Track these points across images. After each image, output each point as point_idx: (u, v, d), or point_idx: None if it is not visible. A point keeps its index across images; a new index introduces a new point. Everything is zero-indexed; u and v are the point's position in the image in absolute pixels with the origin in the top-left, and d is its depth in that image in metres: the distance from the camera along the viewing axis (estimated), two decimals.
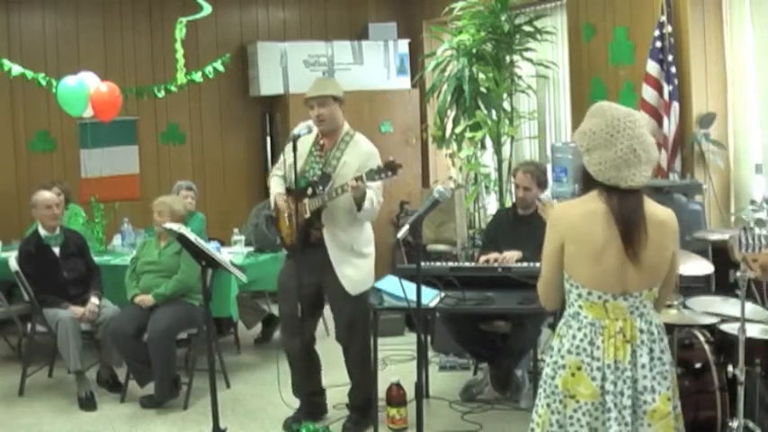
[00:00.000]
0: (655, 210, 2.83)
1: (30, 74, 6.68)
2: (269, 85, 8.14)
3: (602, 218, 2.77)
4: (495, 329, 5.05)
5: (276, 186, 4.83)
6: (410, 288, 3.83)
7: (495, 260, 4.89)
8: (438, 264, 5.05)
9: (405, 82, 8.49)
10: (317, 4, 8.80)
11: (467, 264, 5.50)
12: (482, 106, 6.72)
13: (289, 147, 4.50)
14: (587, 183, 2.84)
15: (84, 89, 6.50)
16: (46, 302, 5.55)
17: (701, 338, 4.19)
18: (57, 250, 5.72)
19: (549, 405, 2.86)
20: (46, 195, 5.81)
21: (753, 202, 5.18)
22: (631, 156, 2.75)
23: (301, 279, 4.48)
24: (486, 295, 4.52)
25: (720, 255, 4.48)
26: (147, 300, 5.45)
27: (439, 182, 7.27)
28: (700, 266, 4.37)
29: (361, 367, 4.78)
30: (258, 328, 6.69)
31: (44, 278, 5.61)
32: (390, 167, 4.29)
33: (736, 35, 5.58)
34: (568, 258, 2.82)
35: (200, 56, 7.74)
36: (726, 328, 4.02)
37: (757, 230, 3.50)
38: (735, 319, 3.85)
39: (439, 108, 6.93)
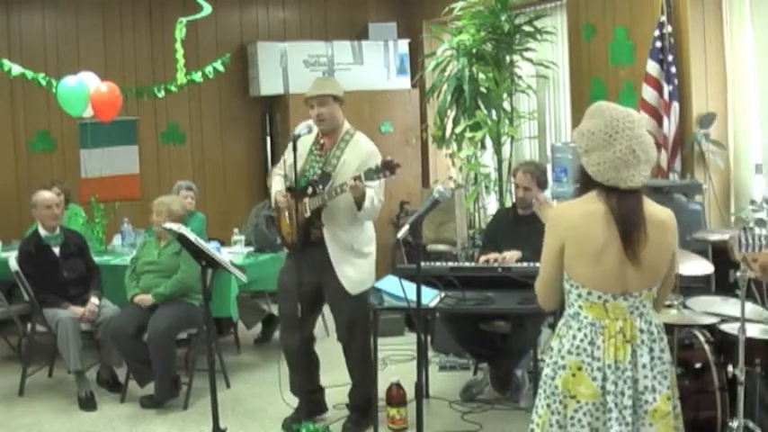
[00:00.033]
0: (654, 210, 2.83)
1: (30, 74, 6.68)
2: (269, 85, 8.14)
3: (601, 218, 2.77)
4: (495, 329, 5.06)
5: (276, 185, 4.84)
6: (410, 288, 3.83)
7: (495, 260, 4.89)
8: (438, 264, 5.05)
9: (405, 82, 8.49)
10: (316, 4, 8.80)
11: (467, 264, 5.50)
12: (482, 106, 6.72)
13: (289, 147, 4.50)
14: (586, 183, 2.84)
15: (84, 89, 6.51)
16: (46, 302, 5.55)
17: (701, 338, 4.19)
18: (57, 250, 5.72)
19: (548, 405, 2.86)
20: (46, 195, 5.81)
21: (753, 202, 5.18)
22: (630, 156, 2.75)
23: (301, 278, 4.48)
24: (486, 295, 4.52)
25: (720, 255, 4.47)
26: (146, 299, 5.45)
27: (439, 182, 7.27)
28: (700, 266, 4.37)
29: (362, 367, 4.78)
30: (258, 328, 6.69)
31: (44, 278, 5.61)
32: (388, 167, 4.29)
33: (736, 35, 5.58)
34: (568, 259, 2.82)
35: (200, 56, 7.74)
36: (726, 328, 4.02)
37: (757, 230, 3.49)
38: (735, 319, 3.85)
39: (439, 108, 6.93)
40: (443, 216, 7.11)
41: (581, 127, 2.86)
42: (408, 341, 6.31)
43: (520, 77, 6.84)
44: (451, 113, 6.85)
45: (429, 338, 5.72)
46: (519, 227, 5.11)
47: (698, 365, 4.09)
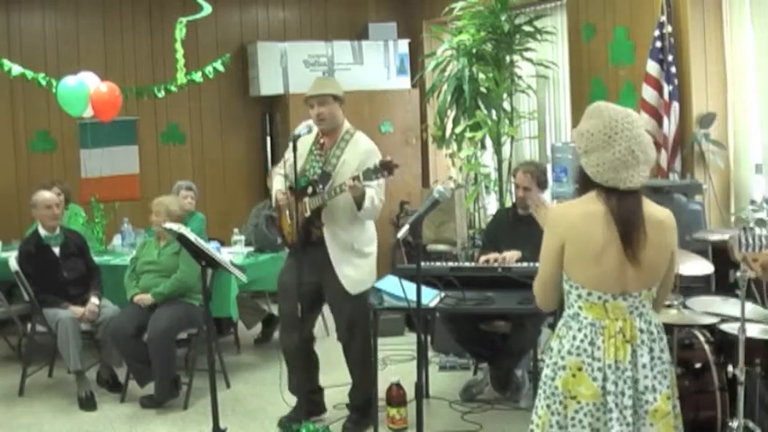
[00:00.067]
0: (653, 210, 2.83)
1: (30, 74, 6.68)
2: (269, 85, 8.14)
3: (601, 219, 2.77)
4: (495, 329, 5.06)
5: (277, 184, 4.84)
6: (410, 288, 3.83)
7: (495, 260, 4.89)
8: (438, 264, 5.05)
9: (405, 82, 8.49)
10: (316, 4, 8.80)
11: (467, 264, 5.50)
12: (482, 106, 6.72)
13: (289, 147, 4.50)
14: (585, 184, 2.84)
15: (84, 89, 6.50)
16: (46, 302, 5.55)
17: (701, 338, 4.19)
18: (57, 250, 5.72)
19: (548, 406, 2.86)
20: (46, 195, 5.81)
21: (753, 202, 5.19)
22: (629, 157, 2.75)
23: (301, 278, 4.48)
24: (486, 295, 4.51)
25: (720, 255, 4.48)
26: (145, 299, 5.45)
27: (439, 182, 7.27)
28: (700, 266, 4.37)
29: (362, 367, 4.78)
30: (258, 328, 6.69)
31: (44, 278, 5.62)
32: (386, 167, 4.29)
33: (736, 35, 5.58)
34: (568, 259, 2.82)
35: (201, 56, 7.74)
36: (726, 328, 4.02)
37: (757, 230, 3.49)
38: (735, 319, 3.85)
39: (439, 108, 6.93)
40: (443, 216, 7.11)
41: (580, 127, 2.86)
42: (408, 341, 6.31)
43: (520, 77, 6.84)
44: (451, 113, 6.85)
45: (429, 338, 5.72)
46: (519, 227, 5.11)
47: (698, 365, 4.09)
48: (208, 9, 6.87)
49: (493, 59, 6.61)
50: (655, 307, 2.92)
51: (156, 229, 5.60)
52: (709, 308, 4.23)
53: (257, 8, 8.64)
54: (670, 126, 5.52)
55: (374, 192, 4.53)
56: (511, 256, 4.89)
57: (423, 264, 4.02)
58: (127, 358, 5.39)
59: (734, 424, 3.73)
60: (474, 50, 6.66)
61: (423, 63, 7.85)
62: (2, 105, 7.81)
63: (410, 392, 4.61)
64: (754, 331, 3.85)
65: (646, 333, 2.82)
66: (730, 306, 4.17)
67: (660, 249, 2.80)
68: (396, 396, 4.80)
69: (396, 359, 6.01)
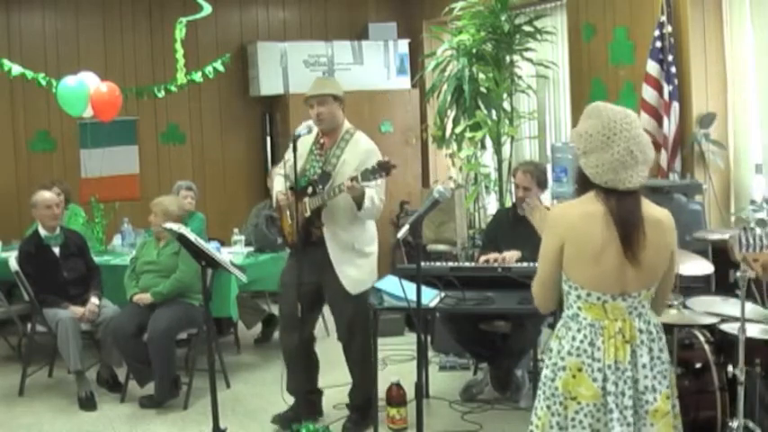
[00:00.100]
0: (652, 210, 2.83)
1: (30, 74, 6.68)
2: (269, 85, 8.15)
3: (600, 219, 2.77)
4: (495, 329, 5.06)
5: (277, 184, 4.84)
6: (410, 288, 3.83)
7: (495, 260, 4.89)
8: (438, 264, 5.05)
9: (405, 82, 8.49)
10: (316, 4, 8.80)
11: (467, 264, 5.50)
12: (482, 106, 6.72)
13: (290, 147, 4.50)
14: (584, 184, 2.84)
15: (84, 89, 6.51)
16: (46, 302, 5.55)
17: (701, 338, 4.19)
18: (57, 250, 5.72)
19: (548, 407, 2.86)
20: (46, 195, 5.81)
21: (753, 202, 5.19)
22: (628, 158, 2.75)
23: (302, 278, 4.48)
24: (486, 295, 4.51)
25: (720, 255, 4.48)
26: (145, 298, 5.45)
27: (439, 182, 7.27)
28: (700, 266, 4.37)
29: (362, 367, 4.77)
30: (258, 328, 6.69)
31: (44, 278, 5.62)
32: (384, 167, 4.28)
33: (736, 35, 5.58)
34: (567, 259, 2.82)
35: (200, 56, 7.74)
36: (726, 328, 4.02)
37: (757, 230, 3.50)
38: (735, 319, 3.85)
39: (439, 108, 6.93)
40: (443, 216, 7.11)
41: (578, 128, 2.86)
42: (408, 341, 6.31)
43: (520, 77, 6.84)
44: (451, 113, 6.85)
45: (429, 338, 5.72)
46: (519, 227, 5.10)
47: (698, 365, 4.09)
48: (208, 9, 6.87)
49: (493, 59, 6.61)
50: (657, 308, 2.91)
51: (155, 230, 5.59)
52: (710, 308, 4.23)
53: (257, 8, 8.64)
54: (670, 126, 5.52)
55: (374, 191, 4.53)
56: (511, 256, 4.89)
57: (423, 264, 4.01)
58: (127, 358, 5.39)
59: (734, 424, 3.73)
60: (474, 50, 6.66)
61: (423, 63, 7.84)
62: (2, 105, 7.81)
63: (410, 392, 4.61)
64: (754, 331, 3.85)
65: (645, 333, 2.82)
66: (730, 306, 4.17)
67: (659, 249, 2.80)
68: (396, 396, 4.80)
69: (396, 359, 6.01)
